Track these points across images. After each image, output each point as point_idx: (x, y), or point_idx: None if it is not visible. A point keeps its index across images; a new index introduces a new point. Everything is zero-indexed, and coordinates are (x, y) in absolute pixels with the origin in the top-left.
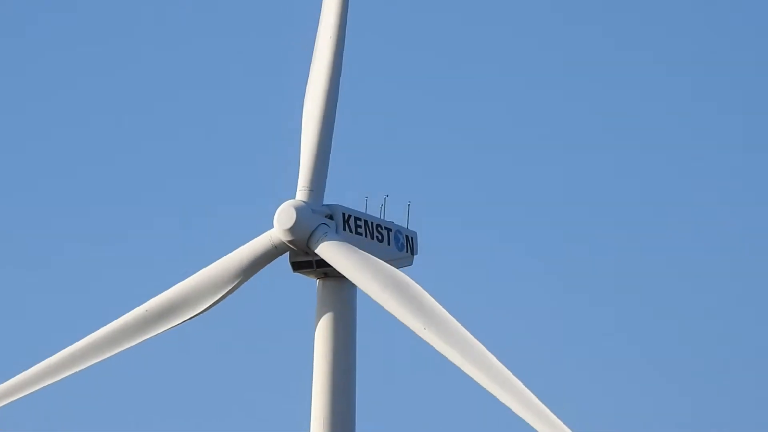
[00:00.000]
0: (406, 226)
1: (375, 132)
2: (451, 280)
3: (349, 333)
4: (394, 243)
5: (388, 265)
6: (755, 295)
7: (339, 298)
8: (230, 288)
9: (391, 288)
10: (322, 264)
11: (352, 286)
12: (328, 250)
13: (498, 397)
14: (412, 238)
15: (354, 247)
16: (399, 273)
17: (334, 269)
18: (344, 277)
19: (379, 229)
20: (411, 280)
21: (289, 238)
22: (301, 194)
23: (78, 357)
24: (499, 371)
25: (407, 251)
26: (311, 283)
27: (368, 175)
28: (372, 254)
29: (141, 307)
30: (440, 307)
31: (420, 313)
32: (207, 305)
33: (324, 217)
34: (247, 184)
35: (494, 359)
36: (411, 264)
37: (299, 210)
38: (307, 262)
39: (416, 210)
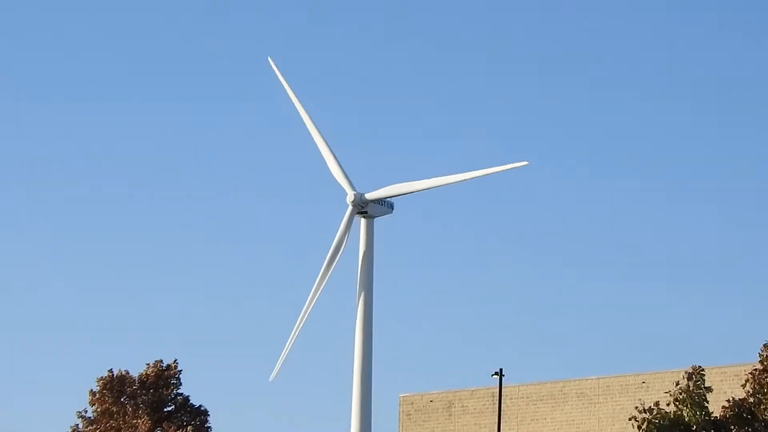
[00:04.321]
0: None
1: None
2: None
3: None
4: (386, 204)
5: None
6: None
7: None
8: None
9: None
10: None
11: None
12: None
13: None
14: (392, 204)
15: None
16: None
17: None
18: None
19: (382, 203)
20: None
21: (351, 201)
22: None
23: None
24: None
25: (389, 208)
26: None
27: None
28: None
29: None
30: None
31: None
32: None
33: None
34: None
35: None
36: (392, 213)
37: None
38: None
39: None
